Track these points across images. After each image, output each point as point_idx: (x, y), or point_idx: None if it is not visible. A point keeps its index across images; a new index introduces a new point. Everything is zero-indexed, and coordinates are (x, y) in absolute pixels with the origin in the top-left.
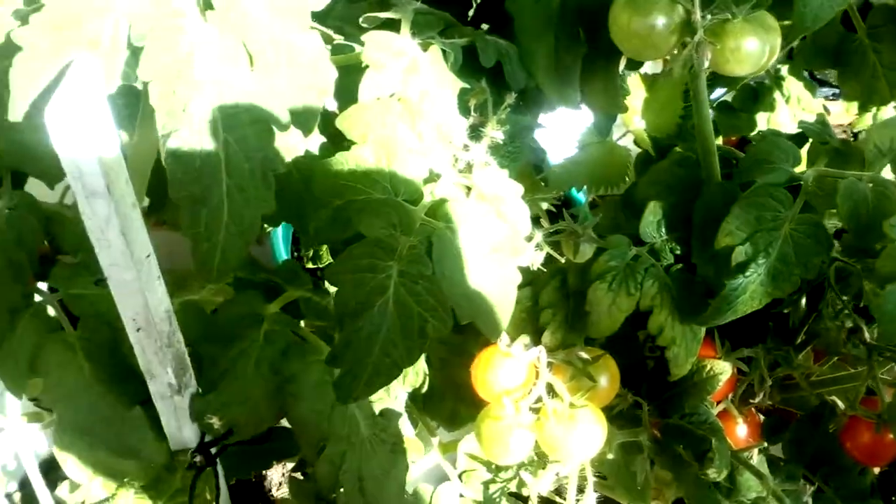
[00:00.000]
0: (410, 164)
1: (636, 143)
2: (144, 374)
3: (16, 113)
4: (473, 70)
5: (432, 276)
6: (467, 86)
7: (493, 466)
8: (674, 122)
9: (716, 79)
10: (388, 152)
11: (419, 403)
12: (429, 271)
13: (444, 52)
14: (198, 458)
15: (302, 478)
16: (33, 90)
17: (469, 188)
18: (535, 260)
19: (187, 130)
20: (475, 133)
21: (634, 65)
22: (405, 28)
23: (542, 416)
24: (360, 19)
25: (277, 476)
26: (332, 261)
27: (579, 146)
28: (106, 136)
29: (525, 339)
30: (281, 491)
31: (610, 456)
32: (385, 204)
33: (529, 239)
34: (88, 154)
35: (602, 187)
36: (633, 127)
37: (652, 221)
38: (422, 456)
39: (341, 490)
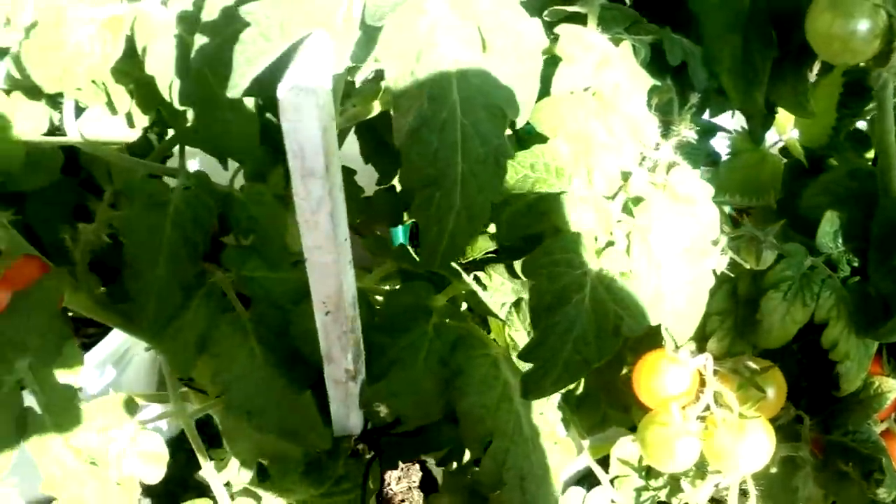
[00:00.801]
0: (605, 159)
1: (782, 152)
2: (324, 358)
3: (236, 88)
4: (658, 68)
5: (629, 275)
6: (658, 83)
7: (645, 473)
8: (827, 133)
9: None
10: (585, 146)
11: (572, 405)
12: (626, 269)
13: (634, 47)
14: (361, 447)
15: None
16: (258, 67)
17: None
18: (720, 265)
19: (427, 111)
20: (663, 132)
21: (826, 69)
22: (591, 22)
23: (710, 424)
24: (545, 13)
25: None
26: None
27: (731, 152)
28: (329, 117)
29: (691, 345)
30: (400, 485)
31: (773, 470)
32: (583, 198)
33: (715, 243)
34: (312, 134)
35: (753, 196)
36: (786, 136)
37: (829, 232)
38: (573, 458)
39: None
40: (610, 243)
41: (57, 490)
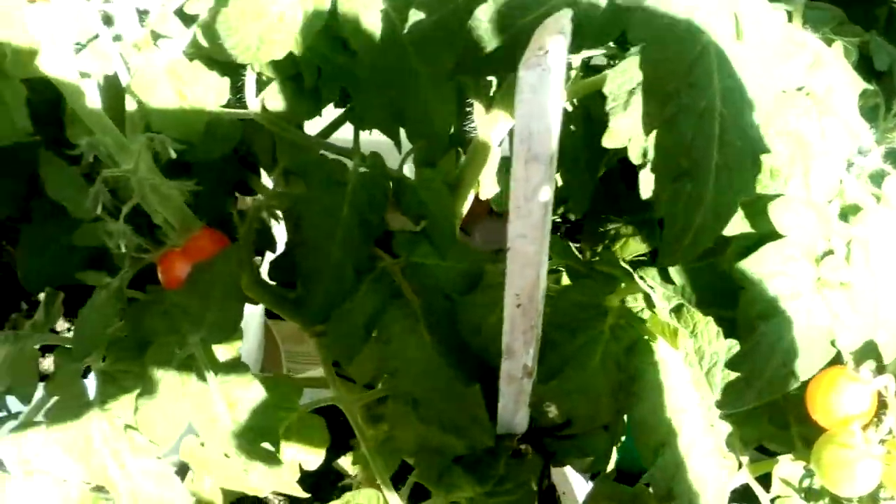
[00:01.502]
0: (821, 162)
1: None
2: (504, 352)
3: (462, 68)
4: (863, 72)
5: (851, 285)
6: (869, 86)
7: (806, 495)
8: None
9: None
10: (802, 147)
11: (734, 419)
12: (848, 279)
13: (845, 48)
14: (524, 447)
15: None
16: (489, 45)
17: None
18: None
19: (685, 99)
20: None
21: None
22: (797, 20)
23: (892, 448)
24: None
25: None
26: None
27: None
28: (561, 100)
29: (871, 363)
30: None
31: None
32: (801, 203)
33: None
34: (545, 116)
35: None
36: None
37: None
38: (732, 475)
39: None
40: (828, 252)
41: (215, 468)
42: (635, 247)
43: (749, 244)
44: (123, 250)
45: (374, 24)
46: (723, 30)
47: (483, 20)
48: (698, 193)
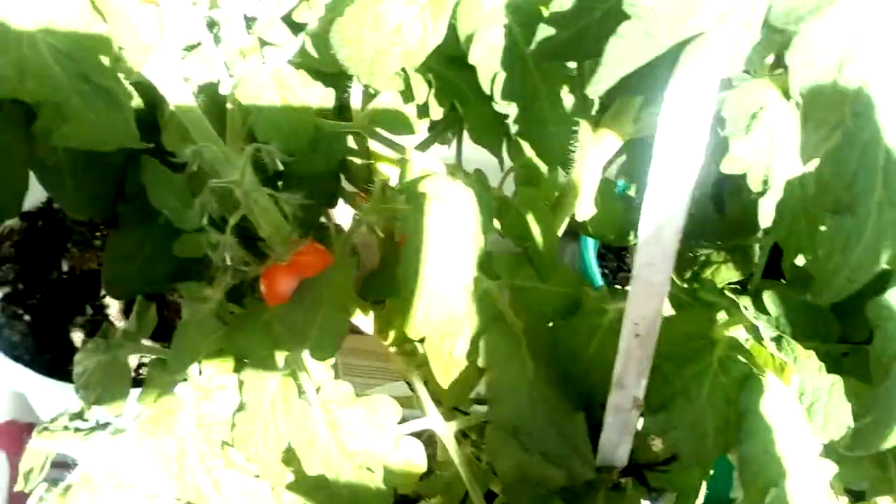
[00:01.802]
0: None
1: None
2: (614, 382)
3: (599, 86)
4: None
5: None
6: None
7: None
8: None
9: None
10: None
11: (835, 458)
12: None
13: None
14: (623, 480)
15: None
16: (630, 65)
17: None
18: None
19: (848, 129)
20: None
21: None
22: None
23: None
24: None
25: None
26: None
27: None
28: (706, 127)
29: None
30: None
31: None
32: None
33: None
34: (692, 139)
35: None
36: None
37: None
38: None
39: None
40: None
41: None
42: (727, 274)
43: (878, 277)
44: (229, 263)
45: (495, 40)
46: (885, 56)
47: (627, 37)
48: (858, 230)
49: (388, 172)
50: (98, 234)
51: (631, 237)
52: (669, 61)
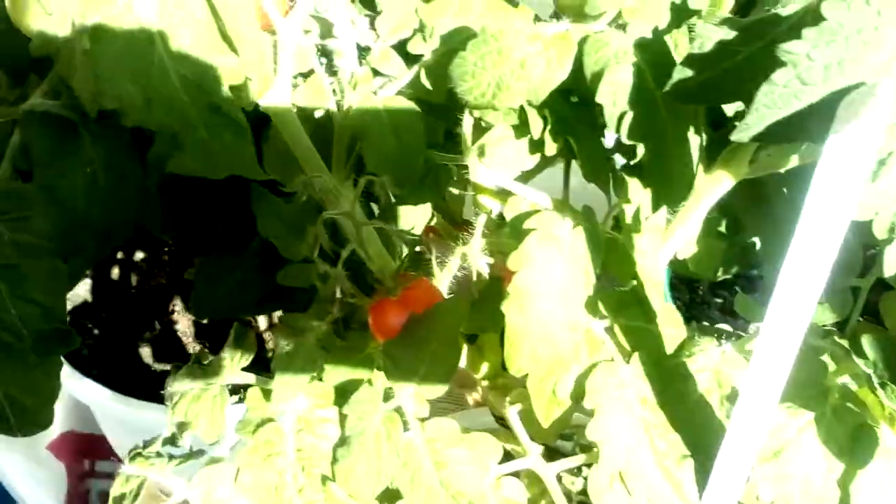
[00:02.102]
0: None
1: None
2: (731, 427)
3: (747, 132)
4: None
5: None
6: None
7: None
8: None
9: None
10: None
11: None
12: None
13: None
14: None
15: None
16: (781, 112)
17: None
18: None
19: None
20: None
21: None
22: None
23: None
24: None
25: None
26: None
27: None
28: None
29: None
30: None
31: None
32: None
33: None
34: (845, 190)
35: None
36: None
37: None
38: None
39: None
40: None
41: None
42: (823, 315)
43: None
44: (339, 295)
45: (623, 79)
46: None
47: (780, 84)
48: None
49: (489, 205)
50: (166, 248)
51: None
52: (822, 110)
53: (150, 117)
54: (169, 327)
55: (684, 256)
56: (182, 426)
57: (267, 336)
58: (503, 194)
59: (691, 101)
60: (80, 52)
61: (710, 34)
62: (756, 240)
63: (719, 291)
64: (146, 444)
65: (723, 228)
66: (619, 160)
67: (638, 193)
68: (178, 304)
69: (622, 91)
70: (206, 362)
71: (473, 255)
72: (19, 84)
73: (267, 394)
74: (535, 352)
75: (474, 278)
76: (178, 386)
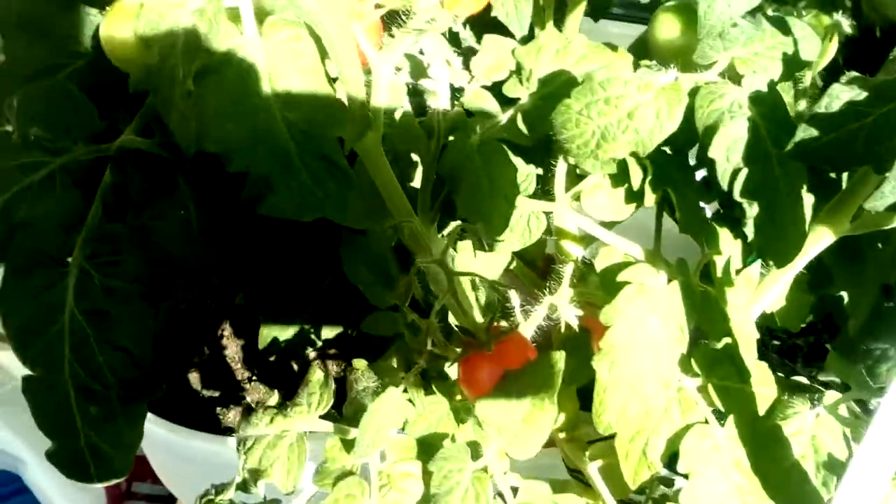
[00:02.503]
0: None
1: None
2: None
3: (882, 202)
4: None
5: None
6: None
7: None
8: None
9: None
10: None
11: None
12: None
13: None
14: None
15: None
16: None
17: None
18: None
19: None
20: None
21: None
22: None
23: None
24: None
25: None
26: None
27: None
28: None
29: None
30: None
31: None
32: None
33: None
34: None
35: None
36: None
37: None
38: None
39: None
40: None
41: None
42: None
43: None
44: (429, 347)
45: (737, 134)
46: None
47: None
48: None
49: (574, 251)
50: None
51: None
52: None
53: (254, 162)
54: (217, 352)
55: (773, 310)
56: (256, 473)
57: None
58: (587, 239)
59: (815, 163)
60: (180, 91)
61: (838, 93)
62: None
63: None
64: (218, 491)
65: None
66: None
67: (729, 244)
68: (226, 329)
69: (736, 147)
70: (275, 403)
71: (563, 307)
72: (106, 117)
73: (346, 444)
74: (625, 410)
75: (561, 328)
76: (251, 430)
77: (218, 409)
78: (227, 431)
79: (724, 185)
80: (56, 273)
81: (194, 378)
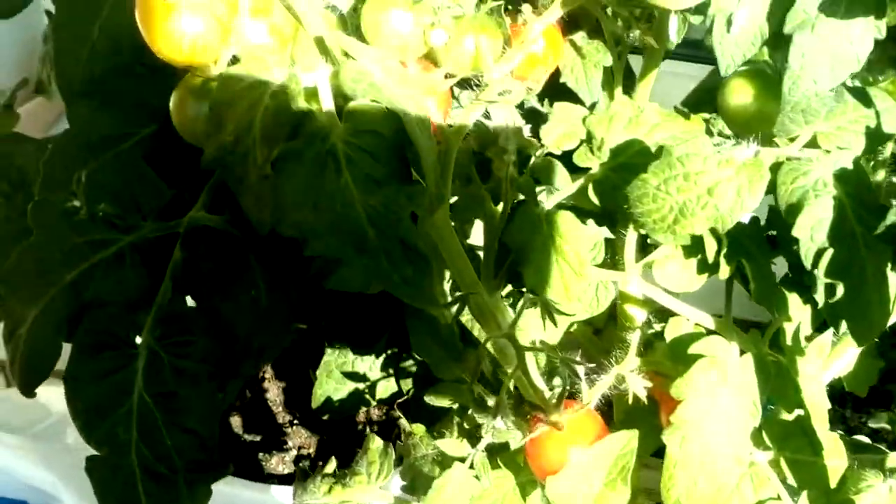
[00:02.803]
0: None
1: None
2: None
3: None
4: None
5: None
6: None
7: None
8: None
9: None
10: None
11: None
12: None
13: None
14: None
15: None
16: None
17: None
18: None
19: None
20: None
21: None
22: None
23: None
24: None
25: None
26: None
27: None
28: None
29: None
30: None
31: None
32: None
33: None
34: None
35: None
36: None
37: None
38: None
39: None
40: None
41: None
42: None
43: None
44: (496, 424)
45: (822, 214)
46: None
47: None
48: None
49: (637, 315)
50: None
51: None
52: None
53: (332, 247)
54: (259, 395)
55: (841, 375)
56: None
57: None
58: (650, 302)
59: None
60: (256, 173)
61: None
62: None
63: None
64: None
65: None
66: None
67: (799, 310)
68: (268, 371)
69: (821, 226)
70: (332, 471)
71: (631, 379)
72: (173, 186)
73: None
74: (696, 486)
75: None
76: (309, 498)
77: (260, 454)
78: (270, 478)
79: (808, 265)
80: (125, 354)
81: (235, 422)
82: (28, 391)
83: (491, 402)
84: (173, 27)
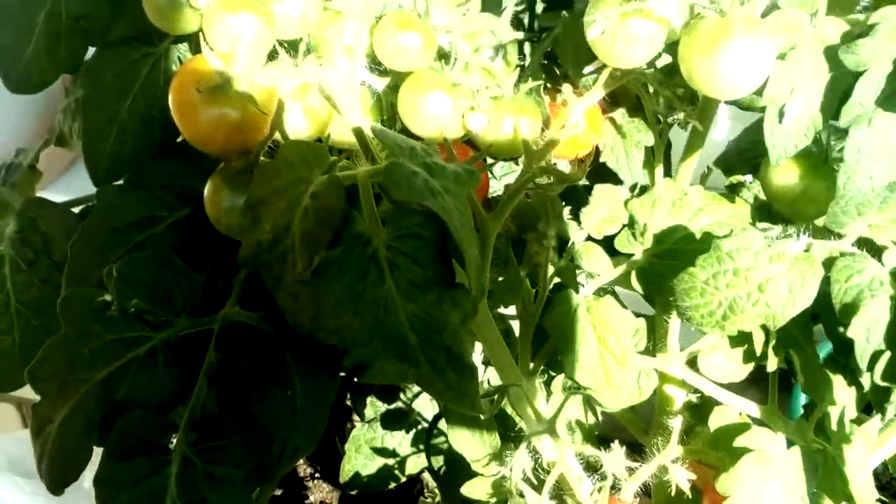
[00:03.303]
0: None
1: None
2: None
3: None
4: None
5: None
6: None
7: None
8: None
9: None
10: None
11: None
12: None
13: None
14: None
15: None
16: None
17: None
18: None
19: None
20: None
21: None
22: None
23: None
24: None
25: None
26: None
27: None
28: None
29: None
30: None
31: None
32: None
33: None
34: None
35: None
36: None
37: None
38: None
39: None
40: None
41: None
42: None
43: None
44: None
45: (878, 315)
46: None
47: None
48: None
49: (677, 396)
50: None
51: None
52: None
53: (375, 356)
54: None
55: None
56: None
57: None
58: (689, 385)
59: None
60: (294, 276)
61: None
62: None
63: None
64: None
65: None
66: None
67: (843, 392)
68: None
69: (877, 328)
70: None
71: (674, 469)
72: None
73: None
74: None
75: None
76: None
77: None
78: None
79: (864, 367)
80: (157, 460)
81: None
82: (57, 490)
83: (532, 499)
84: (208, 118)
